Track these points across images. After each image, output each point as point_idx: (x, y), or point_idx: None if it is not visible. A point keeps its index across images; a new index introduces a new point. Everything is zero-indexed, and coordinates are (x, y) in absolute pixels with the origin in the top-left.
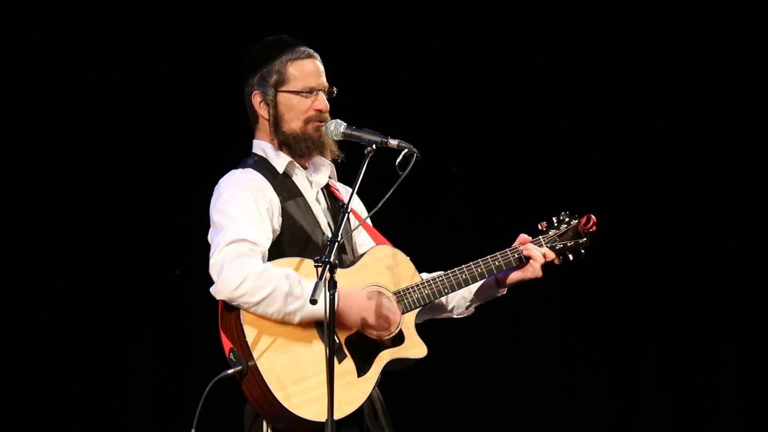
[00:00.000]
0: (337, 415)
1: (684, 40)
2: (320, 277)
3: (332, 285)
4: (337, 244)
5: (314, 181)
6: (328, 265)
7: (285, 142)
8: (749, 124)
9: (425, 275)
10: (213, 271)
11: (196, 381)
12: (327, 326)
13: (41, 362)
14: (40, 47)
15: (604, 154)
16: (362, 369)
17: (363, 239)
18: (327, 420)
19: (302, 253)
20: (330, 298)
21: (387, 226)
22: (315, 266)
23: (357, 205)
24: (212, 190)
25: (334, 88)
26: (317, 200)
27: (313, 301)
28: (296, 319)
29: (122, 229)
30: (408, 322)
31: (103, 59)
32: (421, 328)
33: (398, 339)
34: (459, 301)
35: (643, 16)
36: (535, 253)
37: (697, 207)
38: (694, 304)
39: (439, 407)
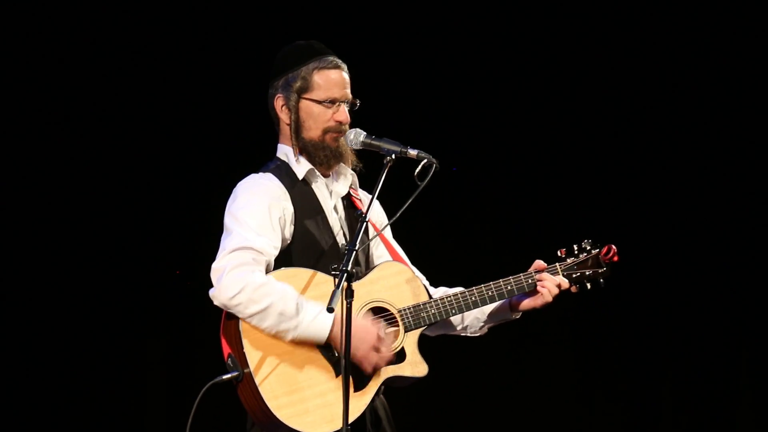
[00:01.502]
0: (329, 428)
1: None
2: (337, 286)
3: (349, 294)
4: (354, 253)
5: (334, 190)
6: (345, 274)
7: (305, 149)
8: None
9: (442, 290)
10: (214, 275)
11: (196, 385)
12: (344, 335)
13: (47, 364)
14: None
15: (630, 173)
16: (360, 385)
17: (381, 251)
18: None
19: (312, 262)
20: (347, 307)
21: (406, 237)
22: (332, 274)
23: (378, 215)
24: (230, 192)
25: (358, 101)
26: (335, 209)
27: (330, 309)
28: (288, 338)
29: (131, 229)
30: (411, 341)
31: (120, 57)
32: (431, 341)
33: (400, 356)
34: (472, 321)
35: (653, 19)
36: (549, 284)
37: (710, 215)
38: (709, 312)
39: (447, 417)
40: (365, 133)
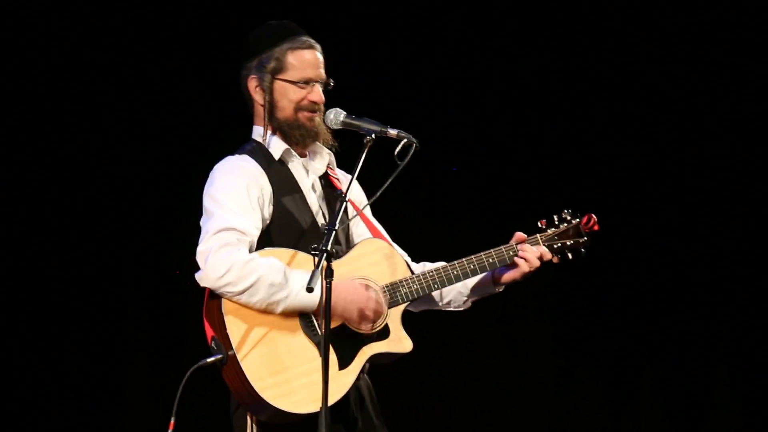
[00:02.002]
0: (315, 407)
1: (680, 37)
2: (317, 266)
3: (329, 274)
4: (334, 232)
5: (311, 169)
6: (325, 254)
7: (280, 129)
8: (737, 122)
9: (424, 265)
10: (200, 258)
11: (179, 370)
12: (323, 315)
13: (28, 352)
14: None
15: (604, 150)
16: (344, 362)
17: (361, 230)
18: (321, 410)
19: (292, 241)
20: (327, 287)
21: (387, 216)
22: (312, 254)
23: (358, 194)
24: (205, 179)
25: (332, 81)
26: (313, 188)
27: (309, 289)
28: (279, 309)
29: (110, 222)
30: (394, 317)
31: (91, 48)
32: (413, 320)
33: (383, 333)
34: (456, 295)
35: (641, 15)
36: (530, 256)
37: (692, 206)
38: (690, 302)
39: (430, 398)
40: (345, 112)
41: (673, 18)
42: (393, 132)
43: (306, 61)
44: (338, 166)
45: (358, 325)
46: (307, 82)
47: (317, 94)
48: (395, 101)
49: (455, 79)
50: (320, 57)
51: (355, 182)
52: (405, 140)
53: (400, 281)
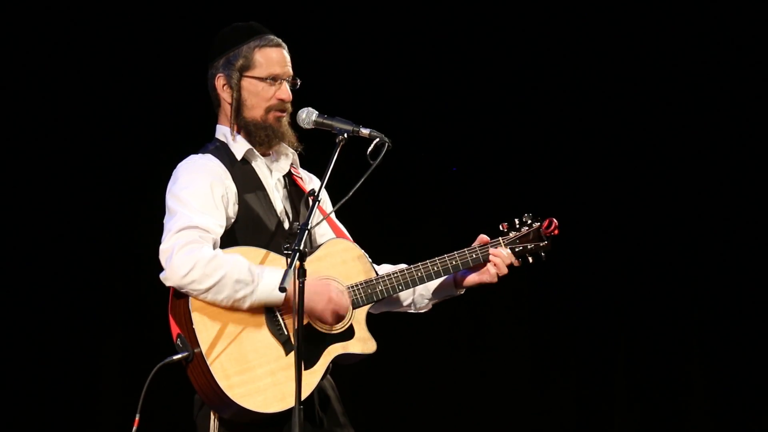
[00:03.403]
0: (280, 407)
1: (657, 35)
2: (290, 265)
3: (302, 273)
4: (307, 232)
5: (274, 168)
6: (298, 253)
7: (245, 128)
8: (716, 120)
9: (385, 267)
10: (162, 257)
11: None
12: (294, 313)
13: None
14: None
15: (572, 150)
16: (309, 362)
17: (324, 230)
18: (294, 408)
19: (258, 240)
20: (300, 287)
21: (348, 216)
22: (284, 253)
23: (322, 194)
24: (168, 175)
25: (298, 80)
26: (276, 188)
27: (282, 289)
28: (245, 305)
29: (77, 213)
30: (359, 318)
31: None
32: (381, 319)
33: (348, 334)
34: (417, 297)
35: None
36: (499, 262)
37: (666, 203)
38: (664, 300)
39: (396, 396)
40: (317, 112)
41: (653, 15)
42: (365, 131)
43: (273, 58)
44: (309, 166)
45: (322, 321)
46: (275, 78)
47: (285, 91)
48: (360, 101)
49: (420, 78)
50: (287, 55)
51: (317, 181)
52: (377, 139)
53: (366, 282)
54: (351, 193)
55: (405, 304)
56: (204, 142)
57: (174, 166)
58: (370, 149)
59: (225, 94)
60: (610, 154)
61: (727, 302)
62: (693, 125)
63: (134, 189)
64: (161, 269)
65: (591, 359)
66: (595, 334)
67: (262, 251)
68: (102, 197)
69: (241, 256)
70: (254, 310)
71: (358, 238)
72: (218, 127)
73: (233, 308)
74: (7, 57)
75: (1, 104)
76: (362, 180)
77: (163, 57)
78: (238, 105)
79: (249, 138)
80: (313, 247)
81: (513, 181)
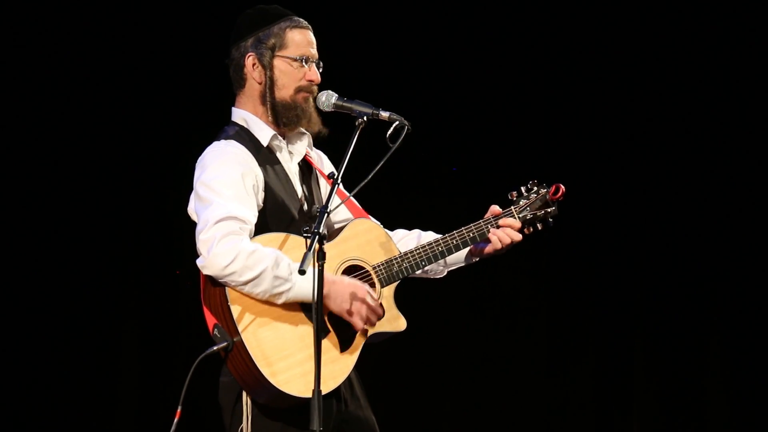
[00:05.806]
0: (326, 389)
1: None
2: (309, 248)
3: (321, 256)
4: (327, 215)
5: (294, 152)
6: (317, 236)
7: (273, 109)
8: (718, 117)
9: (399, 233)
10: (203, 247)
11: (180, 360)
12: (314, 300)
13: (18, 347)
14: None
15: (590, 142)
16: (345, 344)
17: (340, 211)
18: (313, 393)
19: (284, 226)
20: (319, 270)
21: (367, 195)
22: (304, 236)
23: (328, 171)
24: (186, 170)
25: (321, 63)
26: (296, 173)
27: (302, 272)
28: (280, 300)
29: (96, 211)
30: (388, 296)
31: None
32: (404, 304)
33: None
34: (434, 266)
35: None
36: (502, 234)
37: (684, 200)
38: (682, 297)
39: (415, 382)
40: (337, 95)
41: (653, 15)
42: (385, 114)
43: (304, 39)
44: (328, 149)
45: (356, 322)
46: (306, 60)
47: (314, 73)
48: (378, 85)
49: (434, 62)
50: (314, 38)
51: (326, 159)
52: (397, 122)
53: (391, 260)
54: (371, 176)
55: (421, 272)
56: (211, 132)
57: (195, 159)
58: (389, 132)
59: (255, 74)
60: (649, 142)
61: (748, 294)
62: (714, 124)
63: (149, 186)
64: (197, 256)
65: (608, 352)
66: (612, 326)
67: (282, 234)
68: (116, 194)
69: (280, 252)
70: None
71: (371, 212)
72: (235, 110)
73: (268, 302)
74: (8, 57)
75: (15, 103)
76: (382, 162)
77: (163, 57)
78: (271, 84)
79: (275, 119)
80: (331, 229)
81: (526, 154)
